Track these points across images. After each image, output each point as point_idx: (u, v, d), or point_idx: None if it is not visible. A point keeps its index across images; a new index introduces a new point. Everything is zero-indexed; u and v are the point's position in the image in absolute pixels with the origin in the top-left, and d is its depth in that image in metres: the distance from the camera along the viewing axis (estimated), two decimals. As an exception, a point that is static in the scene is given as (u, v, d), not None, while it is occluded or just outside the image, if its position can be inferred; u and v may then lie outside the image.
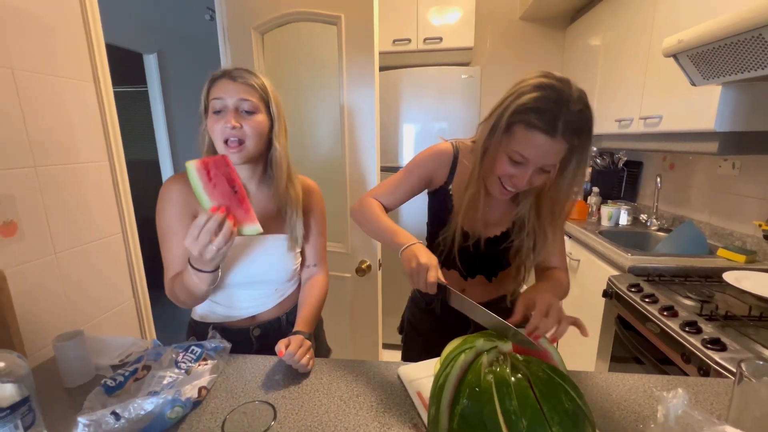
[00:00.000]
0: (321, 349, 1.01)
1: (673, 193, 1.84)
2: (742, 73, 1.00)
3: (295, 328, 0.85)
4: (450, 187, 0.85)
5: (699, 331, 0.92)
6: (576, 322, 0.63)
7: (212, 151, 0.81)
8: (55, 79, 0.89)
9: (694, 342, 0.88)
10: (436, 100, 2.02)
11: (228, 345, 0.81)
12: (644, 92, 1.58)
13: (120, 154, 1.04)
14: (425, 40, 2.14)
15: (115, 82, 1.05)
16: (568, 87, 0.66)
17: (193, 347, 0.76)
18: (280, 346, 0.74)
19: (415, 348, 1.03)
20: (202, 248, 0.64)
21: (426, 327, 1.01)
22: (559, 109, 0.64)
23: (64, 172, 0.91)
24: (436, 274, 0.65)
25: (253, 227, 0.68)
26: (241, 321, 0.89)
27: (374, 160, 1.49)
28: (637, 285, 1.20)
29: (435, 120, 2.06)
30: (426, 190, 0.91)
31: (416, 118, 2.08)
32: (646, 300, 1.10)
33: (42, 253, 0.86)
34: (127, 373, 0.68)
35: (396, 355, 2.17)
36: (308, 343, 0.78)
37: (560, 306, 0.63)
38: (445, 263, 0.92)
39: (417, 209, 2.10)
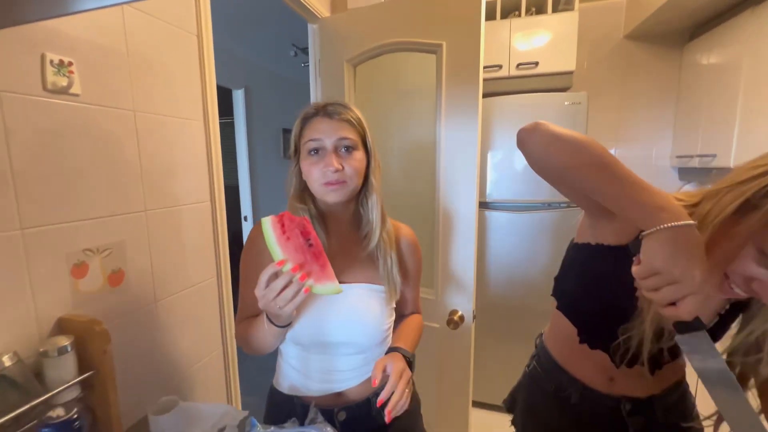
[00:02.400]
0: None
1: None
2: None
3: (399, 345, 0.74)
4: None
5: None
6: None
7: (300, 193, 0.74)
8: (170, 120, 0.87)
9: None
10: (533, 129, 1.82)
11: (332, 431, 0.67)
12: (826, 118, 1.24)
13: (221, 194, 1.01)
14: (518, 65, 1.97)
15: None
16: None
17: (296, 436, 0.63)
18: (377, 371, 0.64)
19: None
20: (267, 303, 0.58)
21: (554, 420, 0.77)
22: None
23: (169, 214, 0.87)
24: (696, 311, 0.43)
25: (330, 285, 0.60)
26: (327, 399, 0.74)
27: (473, 199, 1.32)
28: None
29: (530, 151, 1.85)
30: (580, 239, 0.70)
31: (508, 149, 1.90)
32: None
33: (143, 303, 0.81)
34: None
35: (484, 416, 1.93)
36: (409, 373, 0.66)
37: None
38: (594, 341, 0.70)
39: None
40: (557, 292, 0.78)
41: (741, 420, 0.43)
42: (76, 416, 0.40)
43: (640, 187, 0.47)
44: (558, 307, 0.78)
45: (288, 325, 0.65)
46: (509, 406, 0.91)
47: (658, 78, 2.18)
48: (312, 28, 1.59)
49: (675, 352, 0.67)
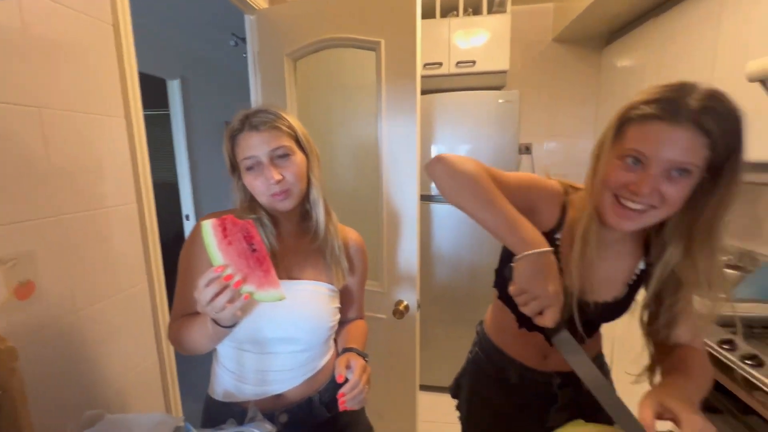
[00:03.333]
0: (360, 426, 0.87)
1: (738, 225, 1.68)
2: None
3: (347, 345, 0.78)
4: (558, 235, 0.68)
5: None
6: None
7: (249, 204, 0.74)
8: (85, 116, 0.80)
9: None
10: (471, 125, 1.92)
11: (273, 429, 0.68)
12: (708, 117, 1.45)
13: (149, 194, 0.95)
14: (458, 63, 2.06)
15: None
16: (695, 84, 0.54)
17: (233, 436, 0.64)
18: (341, 367, 0.68)
19: (482, 424, 0.86)
20: (203, 307, 0.57)
21: (496, 400, 0.84)
22: (681, 95, 0.52)
23: (89, 218, 0.81)
24: (556, 317, 0.54)
25: (273, 292, 0.60)
26: (266, 402, 0.74)
27: (414, 191, 1.37)
28: (729, 342, 1.04)
29: (469, 146, 1.95)
30: None
31: (449, 144, 1.98)
32: (748, 362, 0.94)
33: (61, 315, 0.75)
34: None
35: (434, 398, 2.02)
36: (370, 369, 0.72)
37: None
38: (528, 323, 0.77)
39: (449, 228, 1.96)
40: (498, 284, 0.83)
41: (598, 386, 0.53)
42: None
43: (514, 221, 0.58)
44: (499, 297, 0.83)
45: (233, 326, 0.64)
46: (454, 392, 0.95)
47: (582, 78, 2.40)
48: (249, 19, 1.53)
49: (594, 326, 0.76)
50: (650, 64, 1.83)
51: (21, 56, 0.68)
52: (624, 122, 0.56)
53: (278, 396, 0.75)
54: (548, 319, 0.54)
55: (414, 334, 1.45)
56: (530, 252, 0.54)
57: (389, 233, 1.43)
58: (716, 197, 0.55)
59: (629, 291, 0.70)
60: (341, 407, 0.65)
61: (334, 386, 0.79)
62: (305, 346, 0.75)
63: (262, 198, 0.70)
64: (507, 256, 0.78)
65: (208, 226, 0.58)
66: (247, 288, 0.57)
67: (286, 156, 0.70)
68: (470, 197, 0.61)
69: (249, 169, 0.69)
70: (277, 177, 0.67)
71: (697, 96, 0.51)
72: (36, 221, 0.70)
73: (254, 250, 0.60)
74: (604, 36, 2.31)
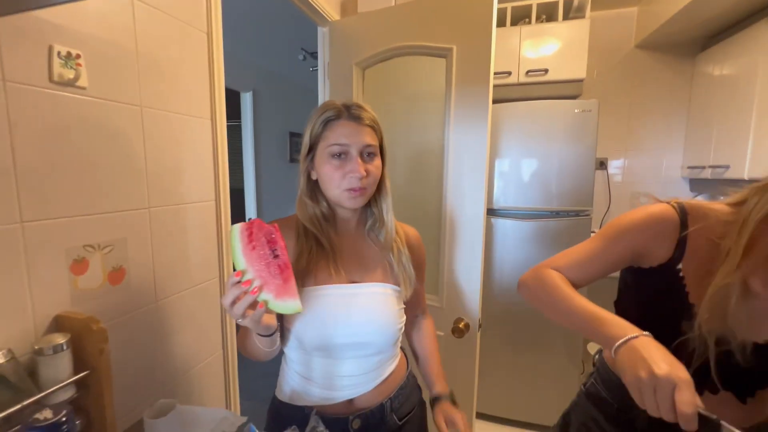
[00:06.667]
0: None
1: None
2: None
3: (438, 390, 0.82)
4: (679, 266, 0.60)
5: None
6: None
7: (311, 192, 0.72)
8: (176, 116, 0.86)
9: None
10: (541, 137, 1.80)
11: (334, 440, 0.64)
12: None
13: (226, 194, 0.99)
14: (528, 72, 1.96)
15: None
16: None
17: (295, 444, 0.61)
18: (441, 425, 0.74)
19: None
20: (227, 309, 0.56)
21: None
22: None
23: (173, 212, 0.86)
24: (692, 399, 0.41)
25: (290, 303, 0.56)
26: (338, 407, 0.71)
27: (481, 206, 1.31)
28: None
29: (536, 159, 1.83)
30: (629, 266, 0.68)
31: (514, 157, 1.87)
32: None
33: (143, 302, 0.79)
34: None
35: (491, 428, 1.87)
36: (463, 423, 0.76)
37: None
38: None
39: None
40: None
41: None
42: (64, 419, 0.38)
43: (595, 316, 0.55)
44: None
45: (273, 334, 0.64)
46: (562, 428, 0.83)
47: (669, 88, 2.17)
48: (322, 31, 1.59)
49: (754, 379, 0.60)
50: (762, 70, 1.59)
51: (131, 62, 0.75)
52: None
53: (350, 401, 0.72)
54: (683, 405, 0.42)
55: (474, 356, 1.36)
56: (622, 340, 0.49)
57: (450, 246, 1.37)
58: None
59: None
60: None
61: (403, 393, 0.77)
62: (375, 350, 0.72)
63: (335, 190, 0.68)
64: (624, 286, 0.71)
65: (236, 230, 0.57)
66: (263, 296, 0.55)
67: (372, 156, 0.68)
68: (548, 304, 0.65)
69: (334, 156, 0.66)
70: (363, 173, 0.65)
71: None
72: (131, 212, 0.75)
73: (276, 256, 0.58)
74: (697, 41, 2.07)
